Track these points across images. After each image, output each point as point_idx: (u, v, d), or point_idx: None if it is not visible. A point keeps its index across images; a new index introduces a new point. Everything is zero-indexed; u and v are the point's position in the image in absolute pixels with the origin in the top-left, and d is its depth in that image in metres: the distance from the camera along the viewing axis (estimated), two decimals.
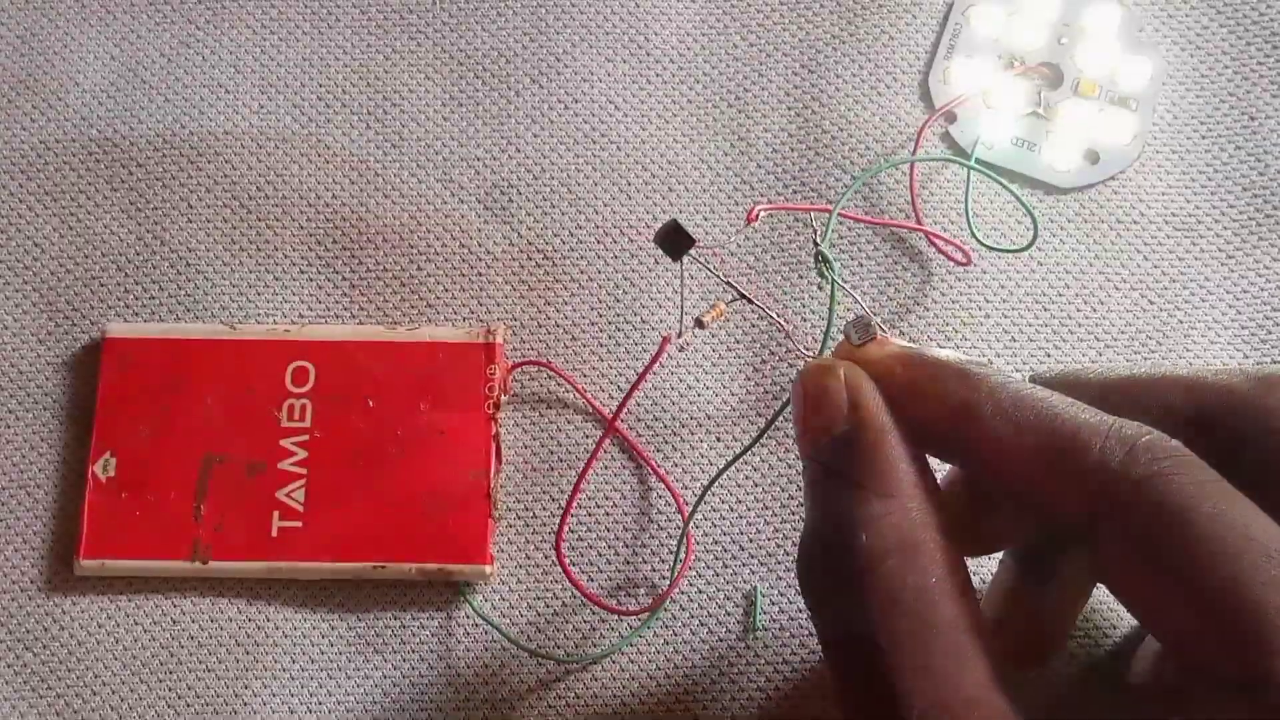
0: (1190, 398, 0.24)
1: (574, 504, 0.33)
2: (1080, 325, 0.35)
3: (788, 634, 0.32)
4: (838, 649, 0.23)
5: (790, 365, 0.34)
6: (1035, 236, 0.32)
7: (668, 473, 0.33)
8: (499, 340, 0.34)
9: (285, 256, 0.36)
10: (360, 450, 0.33)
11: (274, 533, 0.32)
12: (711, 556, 0.33)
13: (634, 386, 0.30)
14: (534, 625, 0.33)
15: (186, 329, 0.34)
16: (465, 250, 0.35)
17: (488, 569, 0.32)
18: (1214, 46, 0.37)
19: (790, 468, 0.34)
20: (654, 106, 0.37)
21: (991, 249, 0.34)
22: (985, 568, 0.32)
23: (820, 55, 0.37)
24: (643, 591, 0.33)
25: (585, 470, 0.32)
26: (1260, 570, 0.20)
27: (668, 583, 0.33)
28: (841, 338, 0.25)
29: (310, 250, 0.36)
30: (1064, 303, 0.35)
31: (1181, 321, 0.35)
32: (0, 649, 0.33)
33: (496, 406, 0.33)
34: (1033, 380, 0.25)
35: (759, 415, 0.34)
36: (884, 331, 0.24)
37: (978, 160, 0.35)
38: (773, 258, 0.35)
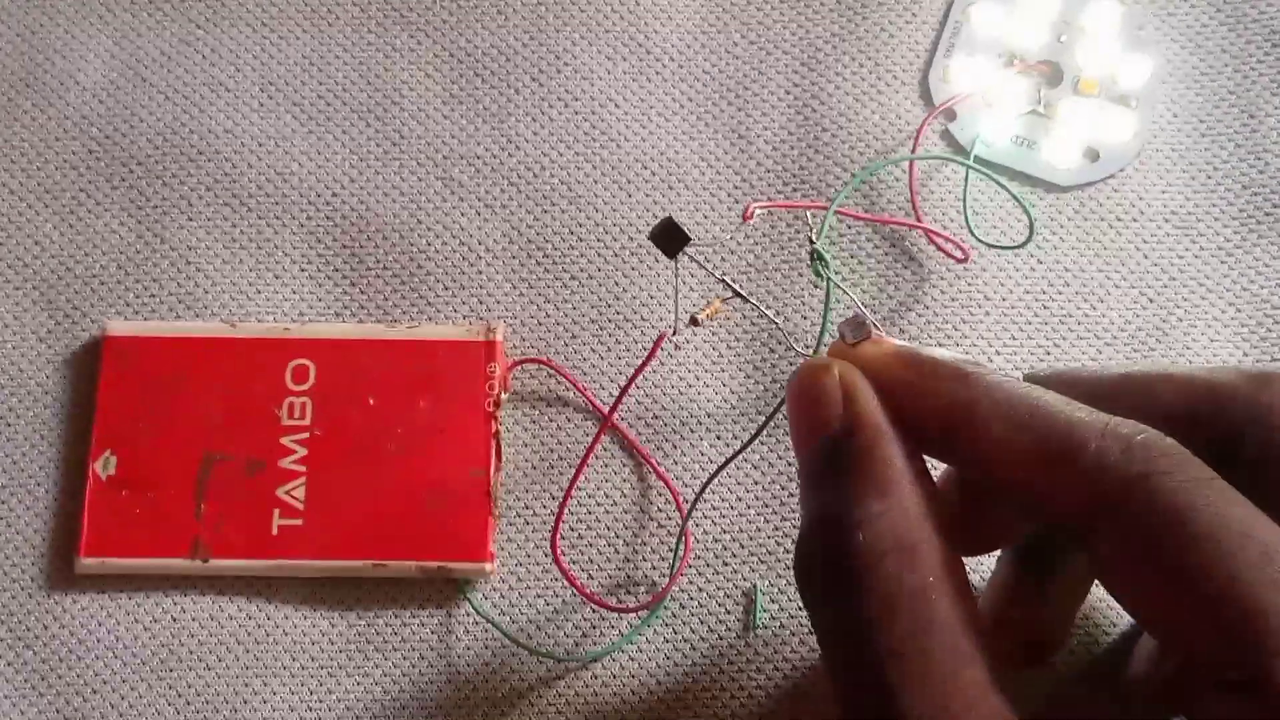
0: (1186, 396, 0.24)
1: (571, 502, 0.33)
2: (1079, 323, 0.35)
3: (787, 632, 0.32)
4: (835, 649, 0.23)
5: (790, 363, 0.34)
6: (1031, 234, 0.32)
7: (667, 470, 0.34)
8: (499, 338, 0.34)
9: (285, 255, 0.36)
10: (360, 448, 0.33)
11: (274, 531, 0.33)
12: (711, 554, 0.33)
13: (629, 383, 0.30)
14: (534, 623, 0.33)
15: (187, 327, 0.34)
16: (465, 248, 0.35)
17: (488, 567, 0.32)
18: (1214, 45, 0.37)
19: (789, 465, 0.34)
20: (654, 104, 0.37)
21: (989, 246, 0.34)
22: (984, 567, 0.32)
23: (820, 53, 0.37)
24: (642, 589, 0.33)
25: (580, 467, 0.32)
26: (1257, 568, 0.20)
27: (667, 580, 0.33)
28: (837, 336, 0.25)
29: (310, 248, 0.36)
30: (1063, 300, 0.35)
31: (1180, 319, 0.35)
32: (0, 647, 0.33)
33: (497, 404, 0.33)
34: (1028, 379, 0.25)
35: (758, 412, 0.34)
36: (879, 330, 0.24)
37: (977, 158, 0.35)
38: (772, 255, 0.35)
